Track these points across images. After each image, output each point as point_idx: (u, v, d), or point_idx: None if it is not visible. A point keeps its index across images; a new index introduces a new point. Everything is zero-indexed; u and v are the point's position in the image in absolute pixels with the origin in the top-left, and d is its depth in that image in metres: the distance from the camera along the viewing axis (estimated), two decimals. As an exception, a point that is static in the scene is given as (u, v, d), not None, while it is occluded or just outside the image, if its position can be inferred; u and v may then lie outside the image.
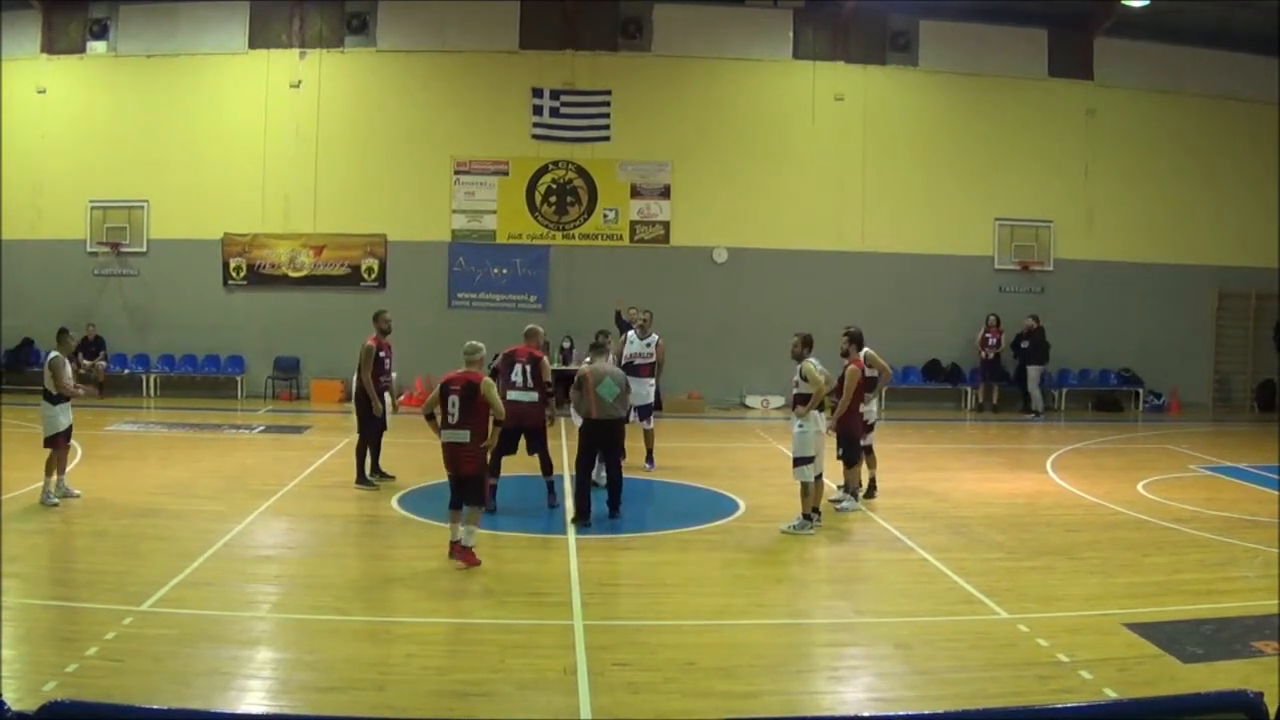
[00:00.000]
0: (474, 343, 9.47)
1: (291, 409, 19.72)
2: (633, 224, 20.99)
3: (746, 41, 21.25)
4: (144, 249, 20.74)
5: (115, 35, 20.96)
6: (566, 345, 20.30)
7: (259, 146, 20.63)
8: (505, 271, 20.73)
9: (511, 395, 10.79)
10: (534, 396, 10.99)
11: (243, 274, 20.71)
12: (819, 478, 10.45)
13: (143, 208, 20.74)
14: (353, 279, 20.69)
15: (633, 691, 6.37)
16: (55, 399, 11.44)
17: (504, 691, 6.45)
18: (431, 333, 20.04)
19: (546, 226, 20.86)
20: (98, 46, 21.00)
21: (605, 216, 20.91)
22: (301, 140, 20.63)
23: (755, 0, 21.27)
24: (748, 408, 21.00)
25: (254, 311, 20.54)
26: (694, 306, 20.68)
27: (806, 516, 10.32)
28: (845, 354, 11.21)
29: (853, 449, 11.20)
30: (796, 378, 10.45)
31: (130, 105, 20.82)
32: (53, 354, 11.60)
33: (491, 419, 9.11)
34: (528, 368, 11.08)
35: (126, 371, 20.71)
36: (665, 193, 21.00)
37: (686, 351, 19.31)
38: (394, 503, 11.67)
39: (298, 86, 20.72)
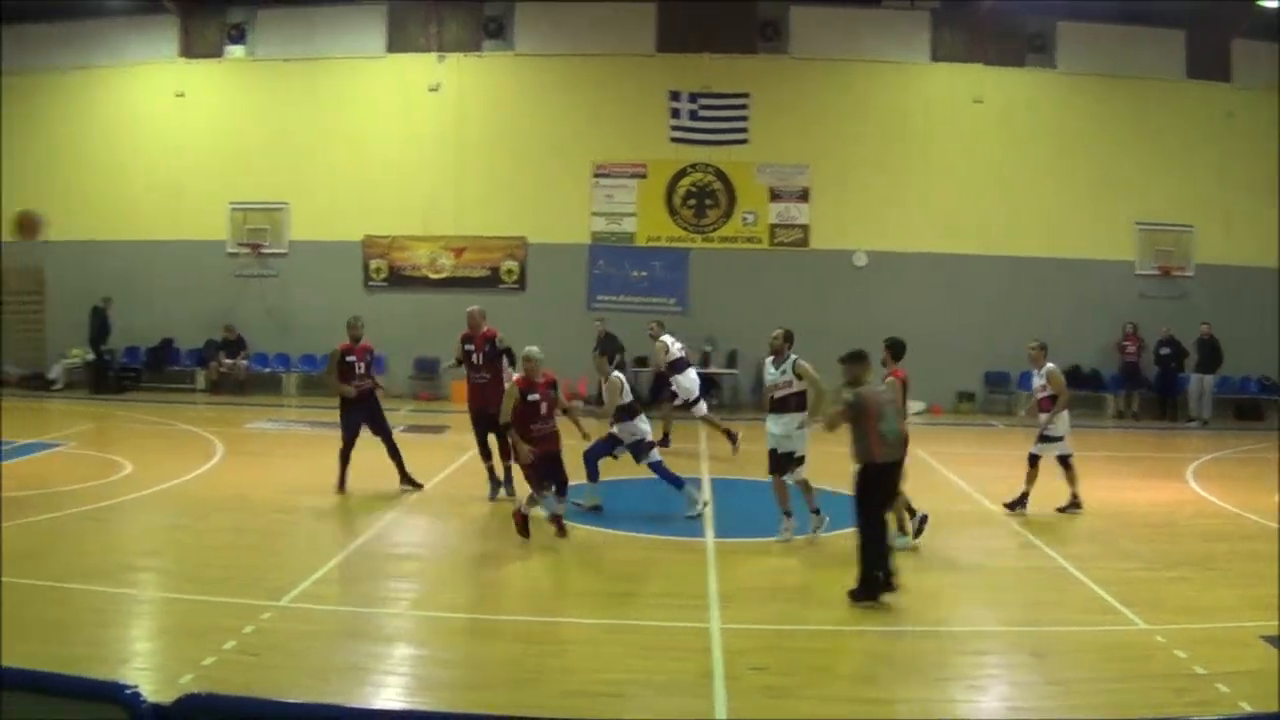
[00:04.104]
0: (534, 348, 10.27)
1: (432, 409, 19.65)
2: (772, 227, 20.86)
3: (883, 43, 21.11)
4: (285, 250, 20.78)
5: (253, 39, 21.09)
6: (708, 349, 20.17)
7: (398, 149, 20.67)
8: (644, 274, 20.65)
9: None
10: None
11: (383, 275, 20.73)
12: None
13: (283, 209, 20.80)
14: (492, 281, 20.66)
15: (769, 696, 6.33)
16: None
17: (639, 693, 6.44)
18: (571, 335, 19.95)
19: (686, 229, 20.76)
20: (235, 51, 21.12)
21: (744, 219, 20.79)
22: (441, 143, 20.64)
23: (892, 1, 21.15)
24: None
25: (395, 313, 20.47)
26: (832, 310, 20.47)
27: (816, 511, 10.01)
28: (883, 364, 10.66)
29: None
30: (784, 377, 10.07)
31: (269, 108, 20.91)
32: None
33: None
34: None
35: (267, 371, 20.74)
36: (804, 195, 20.87)
37: (823, 355, 19.12)
38: None
39: (436, 90, 20.74)
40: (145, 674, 6.78)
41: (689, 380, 15.39)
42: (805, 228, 20.88)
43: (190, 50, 21.07)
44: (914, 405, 20.23)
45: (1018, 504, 11.36)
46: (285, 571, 8.99)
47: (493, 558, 9.90)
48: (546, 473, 9.95)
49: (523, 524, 9.76)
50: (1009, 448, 14.23)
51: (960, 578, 9.32)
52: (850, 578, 8.15)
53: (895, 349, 10.45)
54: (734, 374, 20.39)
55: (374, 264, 20.73)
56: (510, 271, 20.68)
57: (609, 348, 12.09)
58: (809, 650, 7.22)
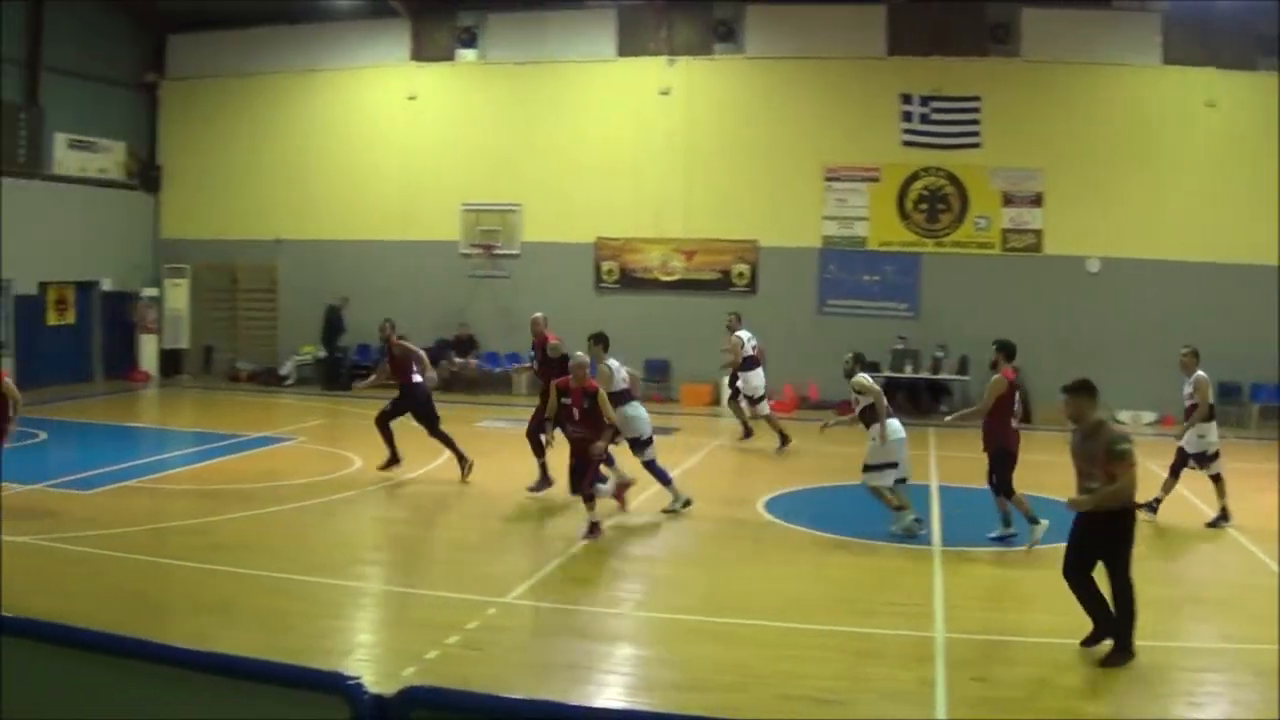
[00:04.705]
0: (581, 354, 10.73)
1: (661, 411, 19.54)
2: (1004, 232, 20.62)
3: (1114, 46, 20.76)
4: (516, 252, 20.94)
5: (483, 43, 21.30)
6: (939, 354, 19.99)
7: (629, 152, 20.74)
8: (876, 279, 20.50)
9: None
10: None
11: (615, 277, 20.82)
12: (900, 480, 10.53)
13: (515, 211, 20.96)
14: (723, 284, 20.65)
15: (990, 707, 6.23)
16: None
17: (859, 700, 6.39)
18: (801, 339, 19.93)
19: (917, 234, 20.59)
20: (467, 54, 21.36)
21: (977, 224, 20.57)
22: (671, 146, 20.68)
23: (1122, 2, 20.82)
24: (1119, 422, 20.39)
25: (625, 314, 20.50)
26: (1064, 317, 20.21)
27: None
28: (994, 366, 10.72)
29: (1006, 471, 10.28)
30: (853, 395, 10.75)
31: (500, 111, 21.11)
32: None
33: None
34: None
35: (498, 370, 20.90)
36: (1037, 200, 20.59)
37: (1055, 363, 18.85)
38: (760, 507, 11.63)
39: (667, 94, 20.79)
40: (367, 665, 6.98)
41: (757, 378, 15.94)
42: (1038, 233, 20.61)
43: (421, 54, 21.35)
44: (1146, 415, 20.02)
45: (1220, 518, 11.11)
46: (512, 568, 9.16)
47: (719, 561, 9.97)
48: (573, 471, 10.42)
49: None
50: (1238, 460, 13.65)
51: (1184, 591, 9.17)
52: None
53: (1008, 350, 10.61)
54: (965, 380, 20.17)
55: (605, 265, 20.84)
56: (741, 275, 20.66)
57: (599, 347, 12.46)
58: (1031, 662, 7.14)
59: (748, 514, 11.34)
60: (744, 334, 16.05)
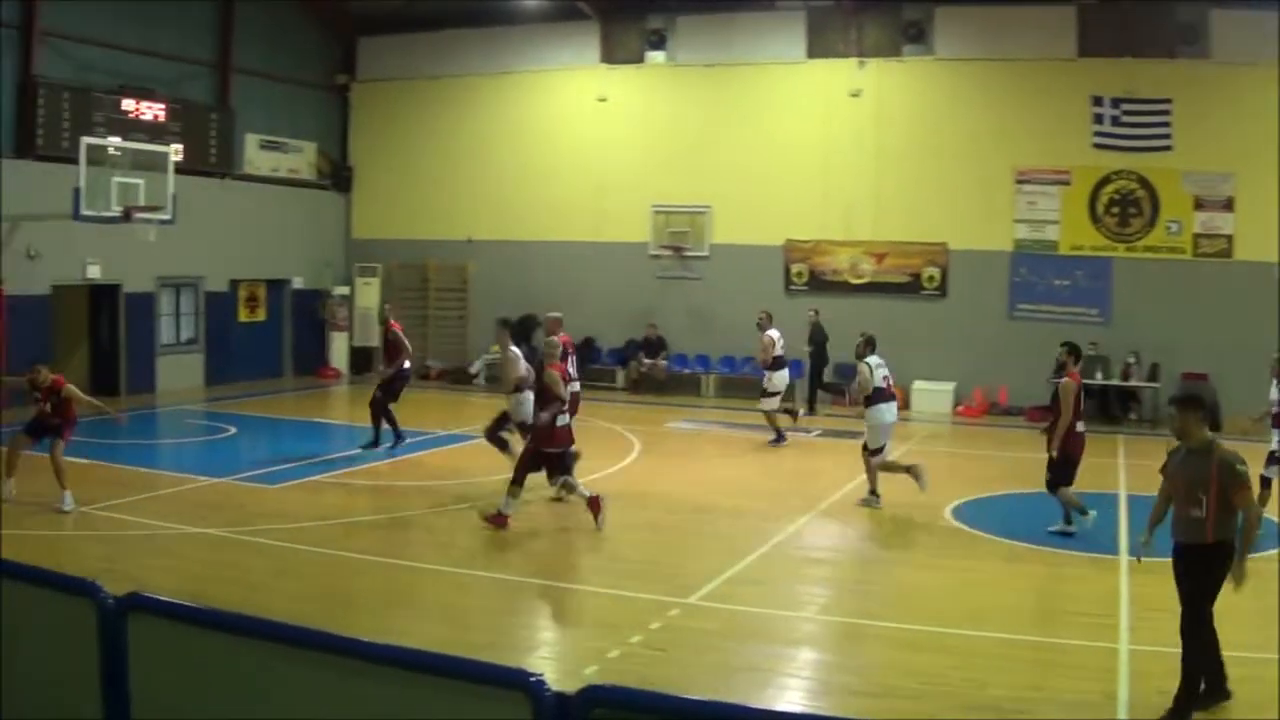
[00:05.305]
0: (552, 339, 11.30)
1: (849, 415, 19.89)
2: (1195, 237, 20.60)
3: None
4: (706, 253, 21.21)
5: (673, 45, 21.48)
6: (1130, 361, 20.05)
7: (819, 154, 20.88)
8: (1067, 283, 20.57)
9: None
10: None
11: (804, 279, 21.05)
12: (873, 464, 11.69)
13: (705, 213, 21.21)
14: (913, 287, 20.81)
15: None
16: None
17: (1041, 710, 6.33)
18: (991, 344, 20.08)
19: (1109, 238, 20.62)
20: (656, 56, 21.57)
21: (1169, 229, 20.57)
22: (861, 148, 20.81)
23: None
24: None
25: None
26: (1254, 325, 20.17)
27: (873, 493, 11.70)
28: (1061, 367, 10.80)
29: (1062, 472, 10.47)
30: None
31: (690, 113, 21.33)
32: None
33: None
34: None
35: (686, 372, 21.24)
36: (1228, 205, 20.52)
37: (1247, 372, 18.90)
38: (947, 513, 11.63)
39: (857, 95, 20.89)
40: (550, 663, 7.06)
41: (781, 378, 16.35)
42: (1229, 238, 20.57)
43: (611, 56, 21.59)
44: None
45: None
46: (697, 569, 9.20)
47: (904, 566, 9.90)
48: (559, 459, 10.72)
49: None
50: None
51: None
52: (1267, 598, 7.59)
53: (1077, 353, 10.82)
54: (1155, 387, 20.25)
55: (795, 268, 21.07)
56: (931, 278, 20.80)
57: (525, 326, 13.13)
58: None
59: (934, 519, 11.35)
60: (774, 333, 16.33)
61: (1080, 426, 10.54)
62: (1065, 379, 10.66)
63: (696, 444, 16.73)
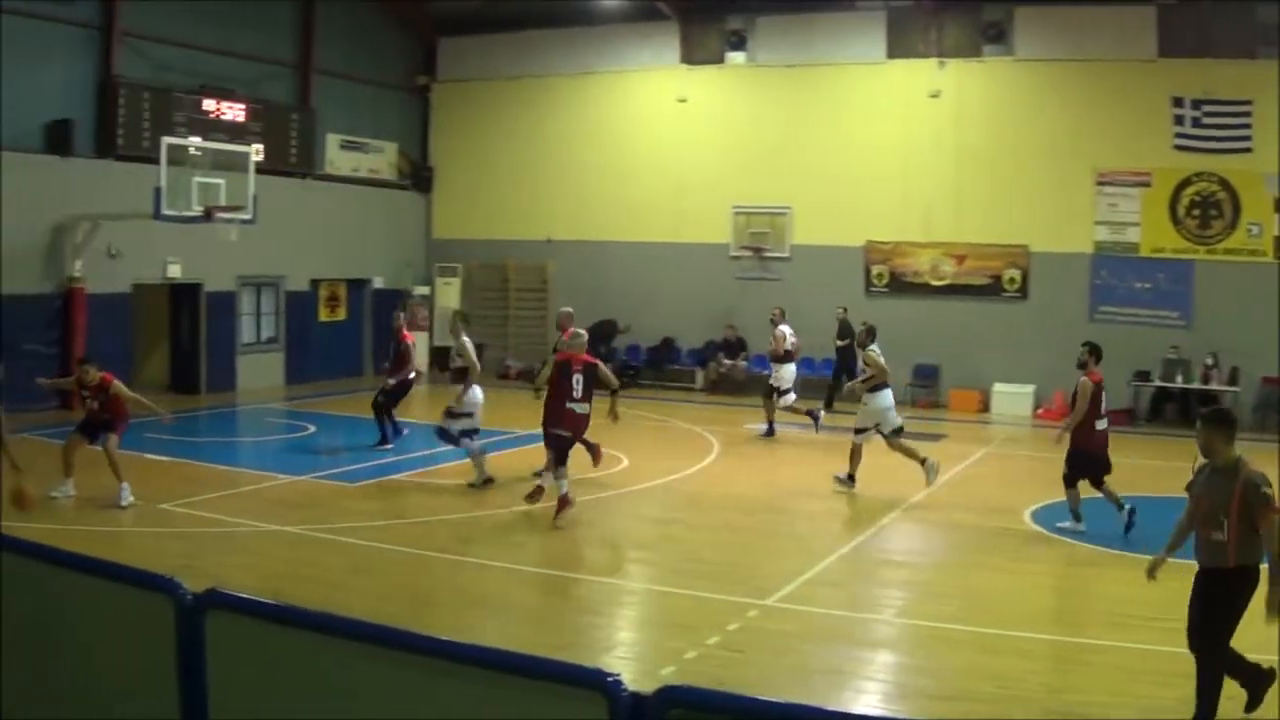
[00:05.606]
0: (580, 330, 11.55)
1: (930, 416, 20.08)
2: (1276, 239, 20.63)
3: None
4: (786, 254, 21.36)
5: (753, 46, 21.57)
6: (1209, 364, 20.14)
7: (899, 155, 20.98)
8: (1148, 286, 20.64)
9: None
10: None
11: (885, 281, 21.19)
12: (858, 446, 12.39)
13: (785, 214, 21.35)
14: (994, 289, 20.93)
15: None
16: None
17: (1119, 717, 6.28)
18: (1072, 346, 19.93)
19: (1189, 240, 20.68)
20: (736, 57, 21.67)
21: (1250, 231, 20.61)
22: (941, 149, 20.89)
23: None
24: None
25: (894, 318, 20.80)
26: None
27: (851, 476, 12.35)
28: (1083, 365, 10.81)
29: (1078, 469, 10.59)
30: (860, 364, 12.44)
31: (770, 113, 21.44)
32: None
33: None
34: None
35: (766, 373, 21.34)
36: (1310, 207, 20.57)
37: None
38: (1026, 516, 11.64)
39: (937, 96, 20.95)
40: (627, 663, 7.10)
41: (788, 372, 16.88)
42: (1310, 240, 20.61)
43: (691, 57, 21.71)
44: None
45: None
46: (775, 571, 9.24)
47: (983, 569, 9.81)
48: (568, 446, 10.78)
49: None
50: None
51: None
52: None
53: (1097, 352, 10.88)
54: (1235, 391, 20.34)
55: (875, 269, 21.21)
56: (1012, 280, 20.91)
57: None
58: None
59: (1013, 523, 11.35)
60: (786, 328, 16.86)
61: (1101, 425, 10.70)
62: (1084, 377, 10.82)
63: (774, 445, 16.89)
